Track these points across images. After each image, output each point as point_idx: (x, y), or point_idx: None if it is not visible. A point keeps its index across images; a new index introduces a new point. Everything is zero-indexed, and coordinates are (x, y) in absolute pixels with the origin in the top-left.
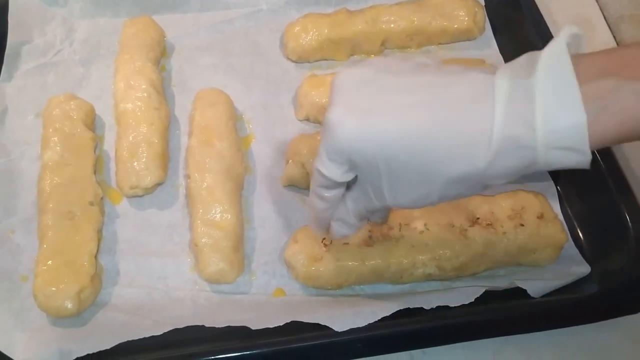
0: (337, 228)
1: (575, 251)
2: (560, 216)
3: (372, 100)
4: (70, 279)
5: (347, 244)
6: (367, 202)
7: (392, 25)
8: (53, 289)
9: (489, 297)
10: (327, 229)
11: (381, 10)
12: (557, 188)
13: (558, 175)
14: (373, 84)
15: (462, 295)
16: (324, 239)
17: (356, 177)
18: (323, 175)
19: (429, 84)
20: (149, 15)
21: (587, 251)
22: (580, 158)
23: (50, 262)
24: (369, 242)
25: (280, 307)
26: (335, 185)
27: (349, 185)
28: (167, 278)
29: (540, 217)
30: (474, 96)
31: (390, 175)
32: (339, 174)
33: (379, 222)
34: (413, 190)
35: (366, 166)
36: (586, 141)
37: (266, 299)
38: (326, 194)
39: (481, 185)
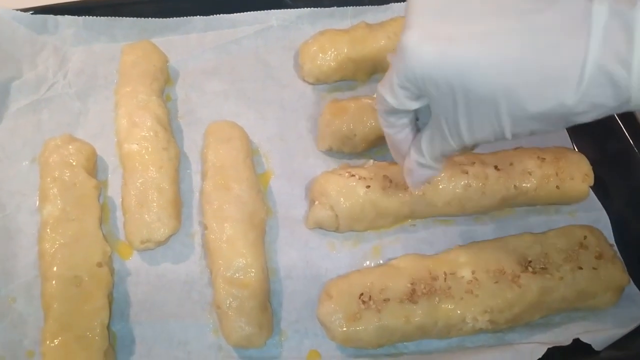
0: (417, 173)
1: (635, 290)
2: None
3: (453, 25)
4: (81, 357)
5: (388, 300)
6: (442, 141)
7: None
8: None
9: (548, 351)
10: (405, 155)
11: (403, 22)
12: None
13: (610, 203)
14: (455, 7)
15: (520, 354)
16: (362, 294)
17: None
18: (388, 104)
19: (518, 8)
20: (149, 39)
21: None
22: None
23: (58, 339)
24: (412, 297)
25: None
26: (403, 113)
27: (420, 126)
28: (189, 344)
29: (599, 257)
30: (567, 24)
31: (468, 108)
32: (407, 103)
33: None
34: (490, 125)
35: (441, 97)
36: None
37: None
38: (392, 119)
39: (565, 122)
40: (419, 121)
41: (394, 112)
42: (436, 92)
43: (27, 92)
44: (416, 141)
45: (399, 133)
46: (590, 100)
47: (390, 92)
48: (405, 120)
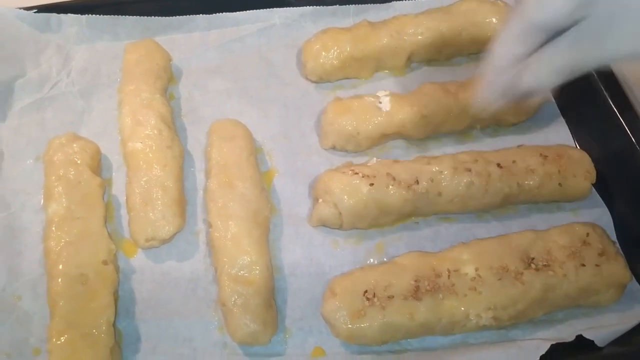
0: (529, 78)
1: (637, 287)
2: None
3: None
4: (88, 354)
5: (392, 297)
6: (579, 52)
7: (419, 37)
8: None
9: (551, 347)
10: (501, 94)
11: (406, 21)
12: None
13: (612, 201)
14: None
15: (524, 350)
16: (366, 291)
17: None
18: (537, 15)
19: None
20: (152, 37)
21: None
22: None
23: (64, 336)
24: (416, 294)
25: None
26: (543, 30)
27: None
28: (194, 341)
29: (602, 254)
30: None
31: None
32: (567, 10)
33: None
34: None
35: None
36: None
37: None
38: (527, 43)
39: None
40: None
41: (532, 32)
42: None
43: (31, 90)
44: (531, 61)
45: (516, 65)
46: None
47: None
48: (540, 40)
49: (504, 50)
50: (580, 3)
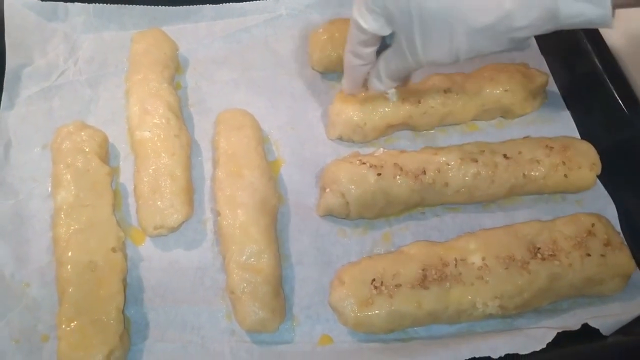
0: (374, 83)
1: None
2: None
3: None
4: (98, 340)
5: (399, 285)
6: (401, 59)
7: None
8: (80, 353)
9: (557, 336)
10: (360, 86)
11: None
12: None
13: (617, 192)
14: None
15: (530, 339)
16: (374, 280)
17: (390, 39)
18: (362, 30)
19: None
20: (159, 27)
21: None
22: (599, 12)
23: (74, 322)
24: (424, 282)
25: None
26: (372, 41)
27: (381, 49)
28: (202, 328)
29: (607, 244)
30: None
31: (423, 25)
32: (377, 26)
33: (401, 85)
34: (443, 42)
35: (400, 16)
36: None
37: (312, 349)
38: (363, 51)
39: (507, 38)
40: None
41: (364, 42)
42: (396, 10)
43: (38, 79)
44: (375, 67)
45: (365, 65)
46: (523, 12)
47: (361, 18)
48: (372, 49)
49: (351, 54)
50: (384, 22)
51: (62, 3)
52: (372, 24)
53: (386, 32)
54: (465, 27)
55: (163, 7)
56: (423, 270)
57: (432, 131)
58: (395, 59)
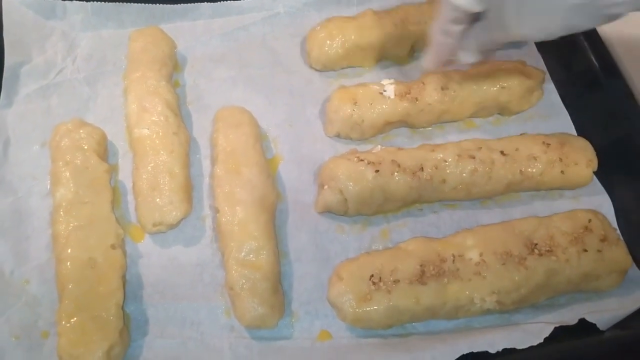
0: (463, 56)
1: (637, 273)
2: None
3: None
4: (97, 336)
5: (398, 281)
6: (492, 33)
7: (423, 27)
8: (80, 349)
9: (554, 331)
10: (443, 62)
11: (410, 10)
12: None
13: (613, 188)
14: None
15: (528, 334)
16: (372, 276)
17: (481, 14)
18: (454, 7)
19: None
20: (157, 25)
21: None
22: None
23: (74, 319)
24: (422, 278)
25: (329, 356)
26: (462, 18)
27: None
28: (201, 324)
29: (604, 240)
30: None
31: (518, 1)
32: (471, 3)
33: (488, 58)
34: (537, 18)
35: None
36: None
37: (312, 345)
38: (454, 28)
39: (603, 14)
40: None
41: (455, 19)
42: None
43: (37, 77)
44: (465, 41)
45: (453, 43)
46: None
47: None
48: (462, 27)
49: (442, 31)
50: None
51: (60, 1)
52: (467, 0)
53: (479, 8)
54: (563, 3)
55: (161, 5)
56: (421, 266)
57: (430, 128)
58: (486, 33)
